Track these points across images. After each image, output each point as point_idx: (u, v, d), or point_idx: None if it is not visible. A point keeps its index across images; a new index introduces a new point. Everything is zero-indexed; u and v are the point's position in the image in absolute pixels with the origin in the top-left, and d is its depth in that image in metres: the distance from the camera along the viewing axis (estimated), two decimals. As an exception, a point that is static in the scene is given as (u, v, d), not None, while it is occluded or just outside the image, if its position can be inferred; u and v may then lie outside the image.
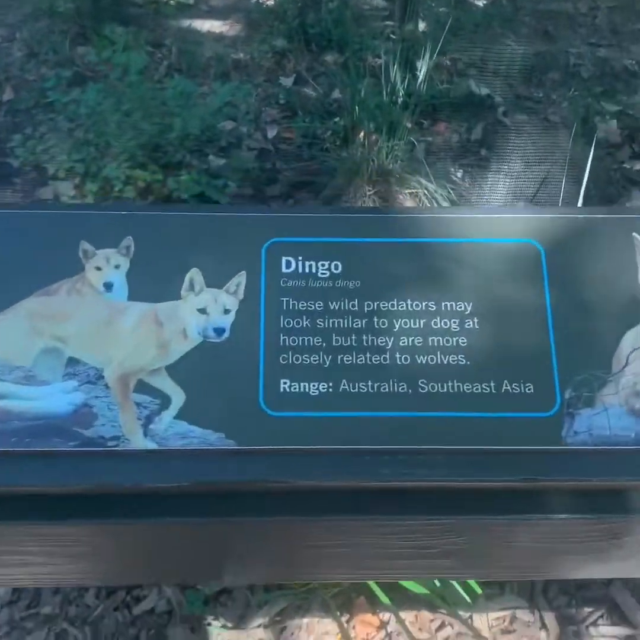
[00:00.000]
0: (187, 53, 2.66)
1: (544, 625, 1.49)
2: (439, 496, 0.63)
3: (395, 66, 2.14)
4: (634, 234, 0.67)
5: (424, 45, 2.22)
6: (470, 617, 1.46)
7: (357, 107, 2.21)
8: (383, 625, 1.47)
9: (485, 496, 0.63)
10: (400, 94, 2.21)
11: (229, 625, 1.49)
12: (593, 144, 1.50)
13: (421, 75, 2.22)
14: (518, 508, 0.64)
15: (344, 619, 1.47)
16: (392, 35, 2.67)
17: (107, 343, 0.62)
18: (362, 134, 2.24)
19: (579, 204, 1.48)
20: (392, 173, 2.21)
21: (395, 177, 2.21)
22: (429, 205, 2.16)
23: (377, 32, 2.72)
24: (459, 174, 2.40)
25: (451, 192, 2.22)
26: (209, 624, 1.48)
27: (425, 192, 2.22)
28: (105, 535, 0.65)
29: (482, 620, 1.48)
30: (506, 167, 2.36)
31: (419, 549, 0.68)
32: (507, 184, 2.29)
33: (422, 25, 2.67)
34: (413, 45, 2.42)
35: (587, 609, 1.49)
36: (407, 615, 1.48)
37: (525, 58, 2.68)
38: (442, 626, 1.47)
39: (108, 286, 0.64)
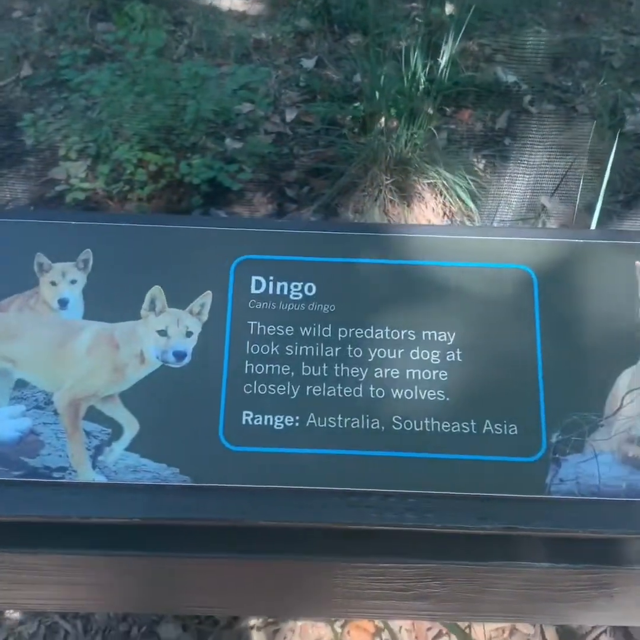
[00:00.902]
0: (208, 32, 2.61)
1: (544, 639, 1.45)
2: (411, 540, 0.59)
3: (416, 51, 2.07)
4: (637, 262, 0.62)
5: (447, 30, 2.15)
6: (469, 626, 1.42)
7: (376, 93, 2.15)
8: (378, 631, 1.43)
9: (461, 542, 0.59)
10: (422, 80, 2.14)
11: (221, 624, 1.46)
12: (616, 139, 1.43)
13: (443, 61, 2.14)
14: (497, 555, 0.59)
15: (338, 624, 1.43)
16: (417, 19, 2.59)
17: (58, 365, 0.58)
18: (381, 120, 2.18)
19: (599, 201, 1.41)
20: (411, 162, 2.15)
21: (413, 167, 2.15)
22: (443, 196, 2.10)
23: (403, 14, 2.65)
24: (481, 165, 2.33)
25: (471, 183, 2.16)
26: (200, 623, 1.45)
27: (444, 182, 2.16)
28: (60, 564, 0.61)
29: (481, 631, 1.44)
30: (529, 159, 2.29)
31: (393, 591, 0.64)
32: (529, 177, 2.22)
33: (449, 8, 2.59)
34: (438, 29, 2.35)
35: (590, 624, 1.44)
36: (404, 623, 1.44)
37: (554, 45, 2.59)
38: (439, 635, 1.43)
39: (63, 303, 0.60)
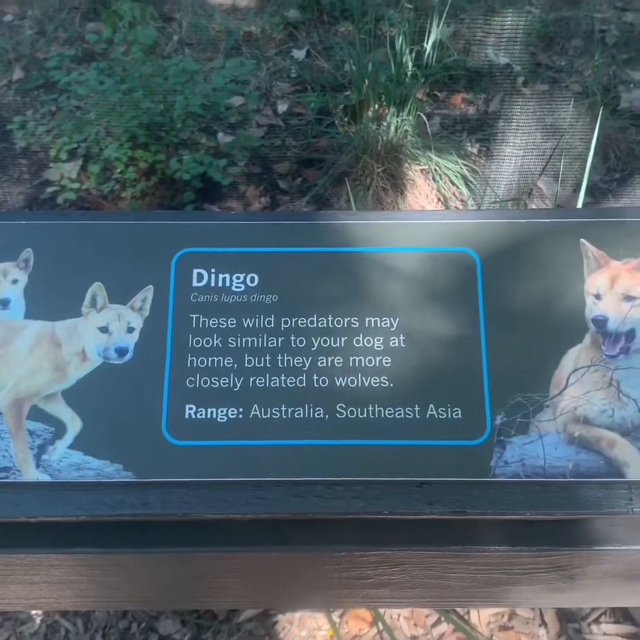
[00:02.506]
0: (197, 27, 2.61)
1: (543, 622, 1.44)
2: (362, 527, 0.59)
3: (400, 37, 2.06)
4: (582, 240, 0.61)
5: (431, 14, 2.13)
6: (468, 612, 1.41)
7: (365, 81, 2.14)
8: (376, 620, 1.43)
9: (412, 527, 0.58)
10: (409, 66, 2.13)
11: (220, 617, 1.47)
12: (599, 117, 1.41)
13: (429, 45, 2.13)
14: (450, 540, 0.59)
15: (336, 614, 1.43)
16: (407, 5, 2.57)
17: (1, 366, 0.58)
18: (370, 109, 2.17)
19: (584, 180, 1.40)
20: (402, 149, 2.14)
21: (404, 154, 2.14)
22: (436, 182, 2.09)
23: (393, 0, 2.63)
24: (475, 149, 2.32)
25: (463, 167, 2.15)
26: (200, 617, 1.46)
27: (436, 168, 2.15)
28: (16, 563, 0.62)
29: (480, 616, 1.43)
30: (522, 140, 2.27)
31: (351, 579, 0.64)
32: (522, 158, 2.21)
33: (439, -8, 2.57)
34: (425, 14, 2.33)
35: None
36: (402, 610, 1.44)
37: (547, 24, 2.57)
38: (438, 622, 1.43)
39: (4, 303, 0.60)
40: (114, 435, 0.57)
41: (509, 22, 2.59)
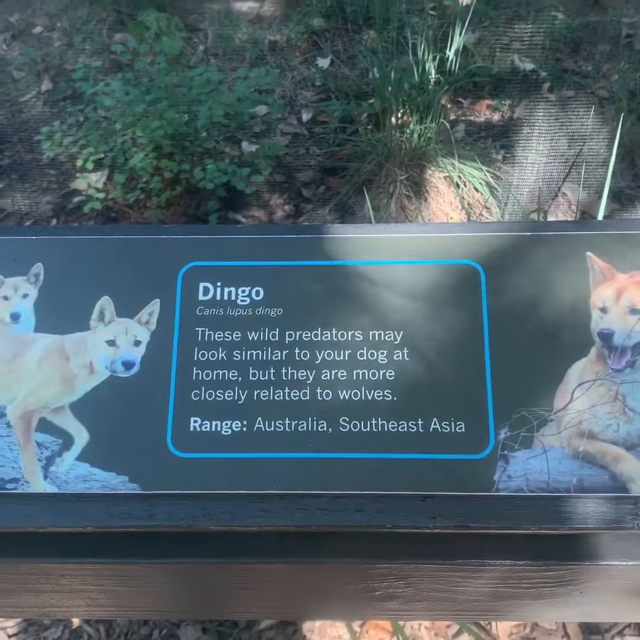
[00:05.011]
0: (223, 37, 2.63)
1: (566, 634, 1.43)
2: (367, 541, 0.59)
3: (423, 44, 2.05)
4: (588, 253, 0.60)
5: (453, 22, 2.13)
6: (489, 624, 1.41)
7: (389, 89, 2.14)
8: (396, 631, 1.42)
9: (417, 541, 0.58)
10: (432, 74, 2.13)
11: (241, 625, 1.47)
12: (620, 124, 1.40)
13: (451, 52, 2.13)
14: (454, 554, 0.59)
15: (357, 623, 1.43)
16: (431, 12, 2.57)
17: (11, 379, 0.59)
18: (394, 116, 2.17)
19: (606, 187, 1.39)
20: (426, 156, 2.14)
21: (428, 161, 2.14)
22: (460, 189, 2.09)
23: (418, 8, 2.63)
24: (499, 155, 2.30)
25: (487, 174, 2.14)
26: (220, 625, 1.46)
27: (460, 175, 2.14)
28: (25, 572, 0.63)
29: (502, 627, 1.42)
30: (547, 147, 2.25)
31: (360, 592, 0.64)
32: (546, 165, 2.19)
33: (464, -1, 2.57)
34: (448, 22, 2.32)
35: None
36: (424, 621, 1.44)
37: (573, 30, 2.55)
38: (459, 633, 1.42)
39: (15, 317, 0.61)
40: (120, 447, 0.57)
41: (534, 28, 2.58)
